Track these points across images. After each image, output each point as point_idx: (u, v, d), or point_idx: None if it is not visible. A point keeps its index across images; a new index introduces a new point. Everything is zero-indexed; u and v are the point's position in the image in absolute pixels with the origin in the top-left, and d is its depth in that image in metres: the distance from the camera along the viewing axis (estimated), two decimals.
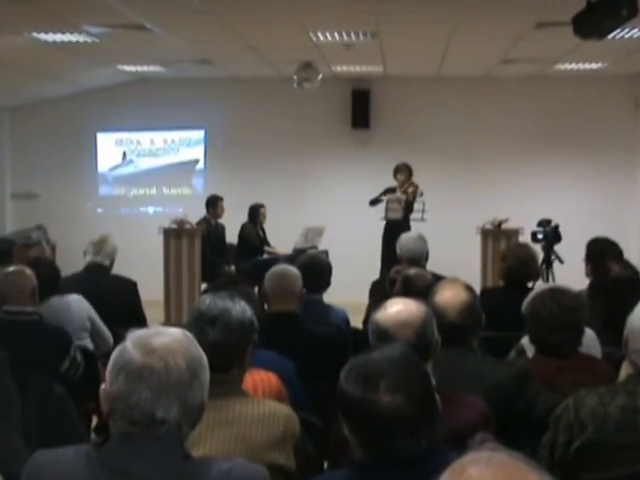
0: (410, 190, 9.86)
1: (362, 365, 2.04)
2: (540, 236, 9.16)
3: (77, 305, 5.02)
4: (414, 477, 1.93)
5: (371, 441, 1.99)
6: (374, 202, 10.08)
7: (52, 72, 10.43)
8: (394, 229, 8.98)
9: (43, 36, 8.29)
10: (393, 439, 1.97)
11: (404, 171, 10.00)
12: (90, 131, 11.96)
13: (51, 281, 4.93)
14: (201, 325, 2.69)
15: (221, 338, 2.68)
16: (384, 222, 9.92)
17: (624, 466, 2.58)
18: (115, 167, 12.25)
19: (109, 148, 12.17)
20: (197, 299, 7.56)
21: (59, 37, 8.35)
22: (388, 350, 2.11)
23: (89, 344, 4.97)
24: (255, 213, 10.26)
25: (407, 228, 8.97)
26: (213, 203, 10.13)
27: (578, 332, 3.53)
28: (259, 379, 3.07)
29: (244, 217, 10.31)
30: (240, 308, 2.76)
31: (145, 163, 12.22)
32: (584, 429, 2.63)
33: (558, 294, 3.56)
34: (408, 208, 9.81)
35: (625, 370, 2.84)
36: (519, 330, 3.82)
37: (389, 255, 7.62)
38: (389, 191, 9.99)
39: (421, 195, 9.80)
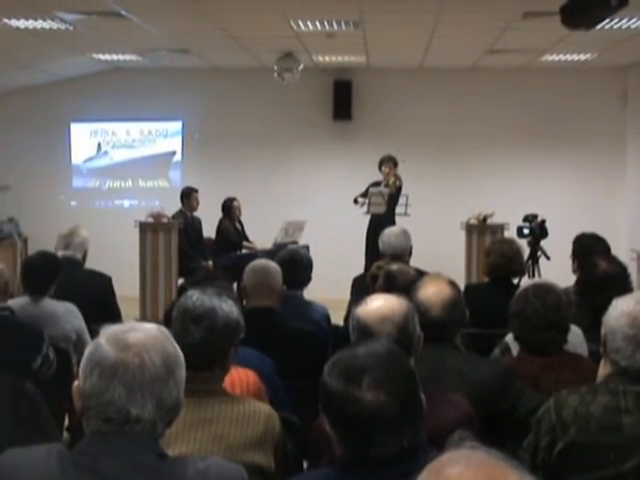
0: (391, 182, 9.75)
1: (346, 360, 2.02)
2: (526, 231, 9.10)
3: (66, 314, 4.88)
4: (394, 476, 1.90)
5: (352, 438, 1.97)
6: (357, 201, 9.97)
7: (24, 60, 10.28)
8: (379, 223, 8.92)
9: (14, 22, 8.11)
10: (374, 437, 1.94)
11: (388, 163, 9.93)
12: (64, 121, 11.82)
13: (52, 275, 4.91)
14: (185, 323, 2.68)
15: (204, 338, 2.66)
16: (368, 216, 9.79)
17: (608, 467, 2.57)
18: (90, 159, 12.13)
19: (83, 139, 12.05)
20: (174, 295, 7.46)
21: (31, 24, 8.19)
22: (374, 346, 2.09)
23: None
24: (228, 208, 10.15)
25: (392, 223, 8.88)
26: (187, 195, 10.01)
27: (563, 330, 3.53)
28: (237, 376, 3.02)
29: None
30: (227, 308, 2.74)
31: (120, 155, 12.10)
32: (567, 430, 2.63)
33: (543, 292, 3.55)
34: (392, 201, 9.67)
35: (603, 369, 2.79)
36: (503, 327, 3.80)
37: (373, 250, 7.56)
38: (374, 185, 9.87)
39: (398, 190, 9.69)
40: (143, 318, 8.60)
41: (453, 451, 1.39)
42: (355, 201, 10.02)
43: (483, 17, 7.99)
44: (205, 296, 2.75)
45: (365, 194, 9.96)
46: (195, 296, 2.75)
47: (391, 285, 4.26)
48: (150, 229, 9.19)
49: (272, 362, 3.59)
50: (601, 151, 11.48)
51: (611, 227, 9.74)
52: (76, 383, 1.94)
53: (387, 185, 9.81)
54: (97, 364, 1.89)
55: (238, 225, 10.25)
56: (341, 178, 11.34)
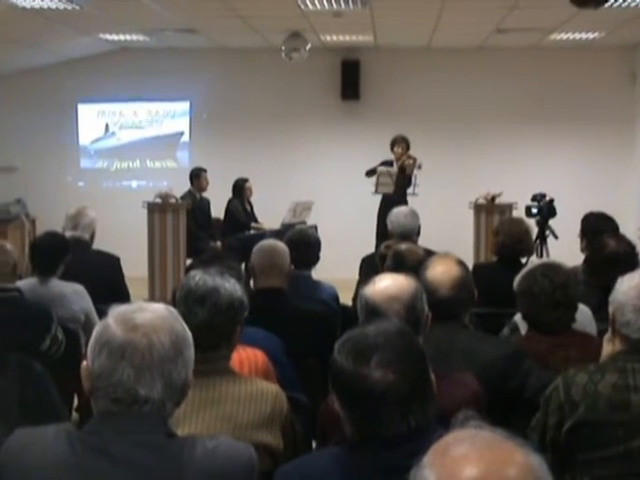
0: (407, 163, 9.68)
1: (356, 338, 2.02)
2: (534, 211, 9.05)
3: (74, 295, 4.88)
4: (402, 456, 1.83)
5: (359, 416, 1.97)
6: (370, 173, 9.88)
7: (30, 40, 10.23)
8: (390, 204, 8.85)
9: (21, 2, 8.06)
10: (381, 415, 1.94)
11: (401, 143, 9.84)
12: (71, 102, 11.79)
13: (60, 256, 4.91)
14: (189, 304, 2.68)
15: (209, 318, 2.65)
16: (380, 196, 9.73)
17: (617, 444, 2.59)
18: (97, 139, 12.11)
19: (91, 120, 12.02)
20: (182, 275, 7.48)
21: (38, 3, 8.14)
22: (384, 325, 2.09)
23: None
24: (240, 188, 10.13)
25: (404, 203, 8.82)
26: (197, 175, 10.00)
27: (571, 309, 3.51)
28: (246, 356, 3.03)
29: (230, 191, 10.18)
30: (230, 287, 2.72)
31: (128, 135, 12.09)
32: (575, 408, 2.64)
33: (550, 270, 3.54)
34: (406, 181, 9.60)
35: (608, 347, 2.80)
36: (512, 306, 3.80)
37: (384, 231, 7.51)
38: (385, 164, 9.80)
39: (419, 168, 9.62)
40: (151, 298, 8.59)
41: (458, 431, 1.38)
42: (367, 173, 9.86)
43: None
44: (208, 276, 2.74)
45: (374, 171, 9.88)
46: (198, 276, 2.74)
47: (400, 265, 4.25)
48: (158, 210, 9.16)
49: (281, 342, 3.59)
50: (609, 130, 11.40)
51: (619, 206, 9.69)
52: (84, 364, 1.94)
53: (401, 166, 9.71)
54: (105, 344, 1.89)
55: (247, 206, 10.24)
56: (349, 158, 11.31)
